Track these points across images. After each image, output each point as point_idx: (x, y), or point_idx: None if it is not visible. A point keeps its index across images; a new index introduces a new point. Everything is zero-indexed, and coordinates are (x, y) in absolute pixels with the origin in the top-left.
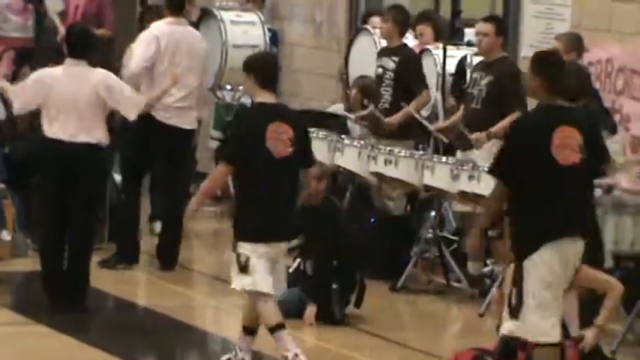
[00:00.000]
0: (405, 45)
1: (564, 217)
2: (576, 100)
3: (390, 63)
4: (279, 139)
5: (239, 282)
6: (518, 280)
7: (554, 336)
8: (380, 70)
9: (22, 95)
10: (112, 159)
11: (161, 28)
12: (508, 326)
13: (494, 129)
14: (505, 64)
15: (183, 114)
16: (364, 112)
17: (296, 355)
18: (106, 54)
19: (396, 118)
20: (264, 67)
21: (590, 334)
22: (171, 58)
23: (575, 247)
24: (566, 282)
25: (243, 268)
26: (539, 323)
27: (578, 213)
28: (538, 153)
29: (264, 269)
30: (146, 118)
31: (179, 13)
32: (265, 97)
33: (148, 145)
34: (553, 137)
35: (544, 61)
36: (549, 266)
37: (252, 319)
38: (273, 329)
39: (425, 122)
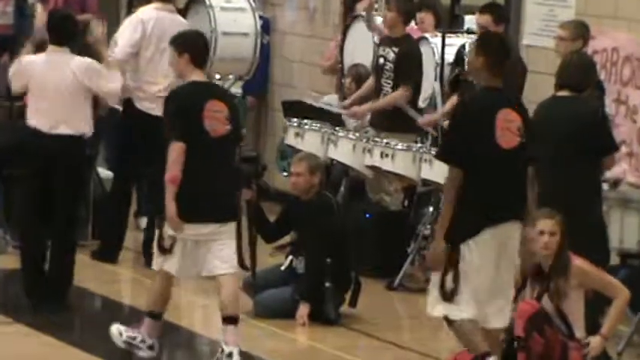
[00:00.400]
0: (409, 36)
1: (505, 201)
2: (581, 91)
3: (391, 53)
4: (215, 117)
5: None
6: (453, 264)
7: (502, 322)
8: (381, 61)
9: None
10: (96, 151)
11: (148, 12)
12: (441, 309)
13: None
14: None
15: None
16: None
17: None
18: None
19: (362, 110)
20: (199, 46)
21: (594, 343)
22: (157, 44)
23: (514, 231)
24: (508, 265)
25: (167, 249)
26: (473, 307)
27: (518, 197)
28: (482, 136)
29: (184, 253)
30: (130, 109)
31: None
32: (199, 76)
33: (132, 137)
34: (496, 120)
35: (489, 41)
36: (486, 250)
37: (157, 303)
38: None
39: (413, 114)
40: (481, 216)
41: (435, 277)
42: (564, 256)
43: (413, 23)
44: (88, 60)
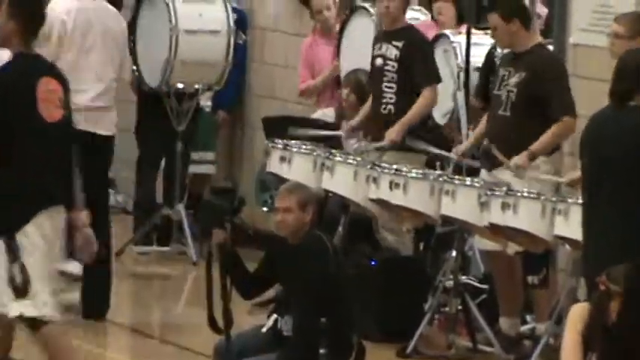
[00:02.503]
0: (411, 26)
1: (55, 181)
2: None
3: (392, 49)
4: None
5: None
6: (16, 256)
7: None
8: (378, 61)
9: None
10: None
11: (64, 3)
12: (18, 308)
13: (536, 146)
14: (542, 56)
15: (97, 117)
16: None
17: None
18: None
19: (396, 133)
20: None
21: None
22: (81, 42)
23: (60, 216)
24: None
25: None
26: (49, 298)
27: (64, 179)
28: (23, 109)
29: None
30: None
31: None
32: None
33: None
34: (37, 91)
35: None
36: (45, 235)
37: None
38: None
39: (437, 151)
40: (31, 200)
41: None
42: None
43: (427, 16)
44: None
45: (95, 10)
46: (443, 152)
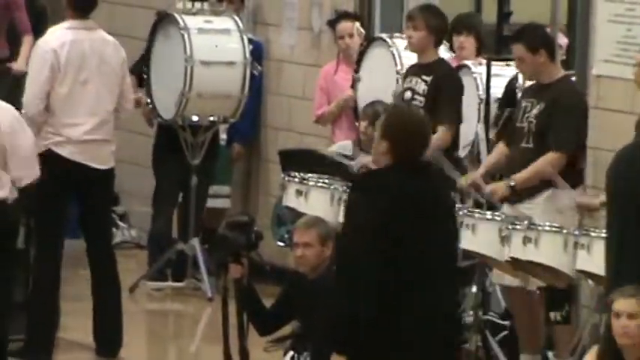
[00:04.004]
0: (443, 60)
1: None
2: None
3: (421, 84)
4: None
5: None
6: None
7: None
8: (408, 94)
9: None
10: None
11: (59, 36)
12: None
13: (517, 177)
14: (563, 88)
15: (95, 149)
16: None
17: None
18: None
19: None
20: None
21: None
22: (75, 75)
23: None
24: None
25: None
26: None
27: None
28: None
29: None
30: (50, 158)
31: (87, 14)
32: None
33: (58, 196)
34: None
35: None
36: None
37: None
38: None
39: (455, 175)
40: None
41: None
42: None
43: (447, 51)
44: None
45: (91, 42)
46: (461, 181)
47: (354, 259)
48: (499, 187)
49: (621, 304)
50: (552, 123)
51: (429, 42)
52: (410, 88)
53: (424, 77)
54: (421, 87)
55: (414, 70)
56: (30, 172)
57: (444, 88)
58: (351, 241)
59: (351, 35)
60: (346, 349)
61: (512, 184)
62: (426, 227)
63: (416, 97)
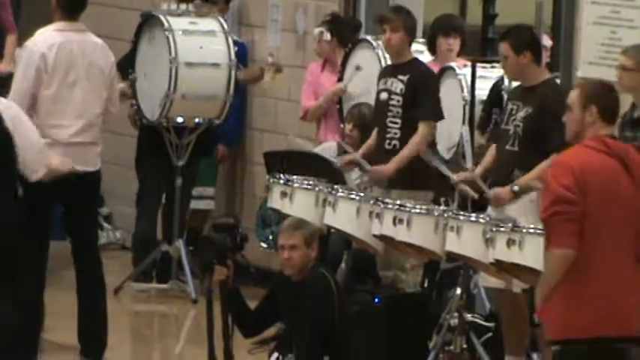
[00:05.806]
0: (417, 59)
1: None
2: None
3: (398, 84)
4: None
5: None
6: None
7: None
8: (384, 96)
9: None
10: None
11: (47, 38)
12: None
13: (521, 182)
14: (549, 91)
15: (81, 152)
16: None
17: None
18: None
19: (388, 169)
20: None
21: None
22: (63, 77)
23: None
24: None
25: None
26: None
27: None
28: None
29: None
30: None
31: (76, 16)
32: None
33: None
34: None
35: None
36: None
37: None
38: None
39: (445, 170)
40: None
41: None
42: None
43: (427, 53)
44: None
45: (80, 44)
46: (449, 173)
47: None
48: (503, 193)
49: None
50: (544, 129)
51: (406, 42)
52: (386, 89)
53: (400, 77)
54: (398, 86)
55: (389, 71)
56: (40, 167)
57: (423, 85)
58: None
59: (318, 40)
60: None
61: (516, 189)
62: None
63: (393, 97)
